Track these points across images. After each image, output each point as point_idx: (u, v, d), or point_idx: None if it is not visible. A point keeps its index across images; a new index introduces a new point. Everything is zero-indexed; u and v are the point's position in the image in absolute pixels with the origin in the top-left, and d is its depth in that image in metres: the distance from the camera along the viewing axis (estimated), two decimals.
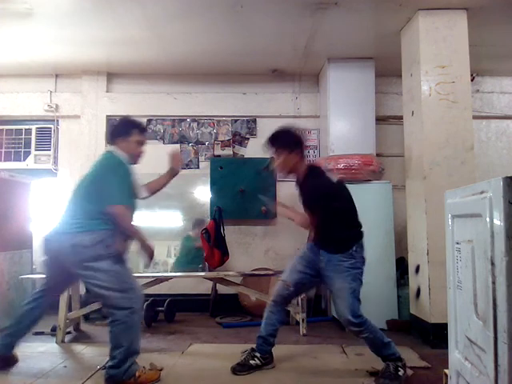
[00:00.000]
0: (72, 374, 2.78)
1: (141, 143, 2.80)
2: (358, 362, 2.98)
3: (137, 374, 2.51)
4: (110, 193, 2.54)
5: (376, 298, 3.97)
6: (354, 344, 3.39)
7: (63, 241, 2.54)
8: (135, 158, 2.79)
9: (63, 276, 2.76)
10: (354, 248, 2.61)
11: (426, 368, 2.87)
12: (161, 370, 2.73)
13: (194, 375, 2.76)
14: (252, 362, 2.80)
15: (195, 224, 4.98)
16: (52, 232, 2.66)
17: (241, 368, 2.78)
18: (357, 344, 3.41)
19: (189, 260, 4.93)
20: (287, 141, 2.76)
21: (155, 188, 3.03)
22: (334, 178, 2.79)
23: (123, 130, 2.77)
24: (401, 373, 2.56)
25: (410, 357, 3.09)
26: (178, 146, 5.03)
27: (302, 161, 2.75)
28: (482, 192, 1.38)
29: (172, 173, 3.08)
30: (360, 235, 2.68)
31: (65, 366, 2.93)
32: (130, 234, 2.64)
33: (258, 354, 2.82)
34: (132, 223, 2.66)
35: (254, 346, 2.88)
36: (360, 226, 2.71)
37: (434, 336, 3.32)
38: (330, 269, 2.62)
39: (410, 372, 2.76)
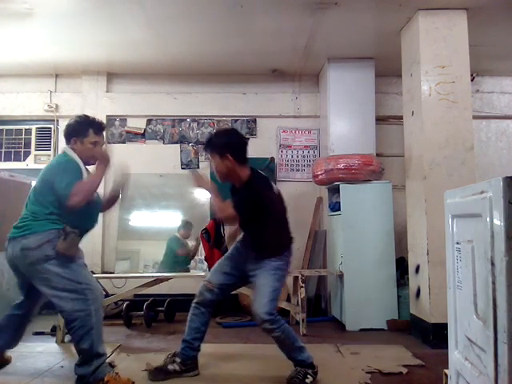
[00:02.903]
0: (68, 374, 2.75)
1: (96, 144, 2.61)
2: (354, 361, 2.99)
3: (105, 379, 2.39)
4: (60, 187, 2.38)
5: (376, 298, 3.98)
6: (349, 343, 3.40)
7: (14, 246, 2.47)
8: (89, 159, 2.60)
9: (29, 284, 2.60)
10: (285, 253, 2.60)
11: (420, 366, 2.88)
12: None
13: (191, 375, 2.75)
14: (170, 367, 2.62)
15: (182, 225, 4.98)
16: (7, 239, 2.55)
17: (157, 373, 2.61)
18: (353, 343, 3.43)
19: (175, 261, 4.88)
20: (218, 144, 2.57)
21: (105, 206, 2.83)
22: (275, 187, 2.71)
23: (78, 129, 2.61)
24: (308, 380, 2.50)
25: (405, 356, 3.11)
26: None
27: (238, 166, 2.54)
28: (482, 192, 1.38)
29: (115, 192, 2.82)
30: (291, 241, 2.67)
31: (61, 366, 2.92)
32: (96, 184, 2.48)
33: (178, 359, 2.64)
34: (91, 185, 2.47)
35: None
36: (290, 233, 2.70)
37: (434, 336, 3.32)
38: (257, 267, 2.55)
39: (404, 370, 2.77)
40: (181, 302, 4.55)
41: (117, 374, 2.48)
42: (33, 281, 2.52)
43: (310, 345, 3.43)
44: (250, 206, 2.48)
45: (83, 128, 2.61)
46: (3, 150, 5.09)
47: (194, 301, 2.72)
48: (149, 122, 5.13)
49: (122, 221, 5.03)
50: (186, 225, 4.96)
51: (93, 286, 2.51)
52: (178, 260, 4.90)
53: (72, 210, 2.38)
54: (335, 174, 4.12)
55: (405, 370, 2.78)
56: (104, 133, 2.77)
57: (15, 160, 5.07)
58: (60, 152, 2.70)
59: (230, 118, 5.15)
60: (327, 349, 3.32)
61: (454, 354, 1.66)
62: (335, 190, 4.29)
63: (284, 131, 5.15)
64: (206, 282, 2.72)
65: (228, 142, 2.58)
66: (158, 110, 5.12)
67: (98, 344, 2.45)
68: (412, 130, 3.77)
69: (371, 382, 2.61)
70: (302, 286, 3.88)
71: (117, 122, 5.12)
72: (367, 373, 2.74)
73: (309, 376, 2.52)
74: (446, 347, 1.74)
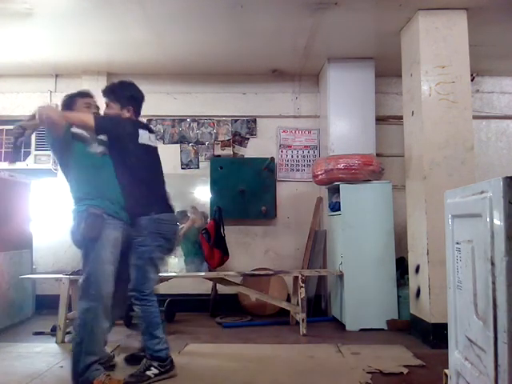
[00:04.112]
0: (68, 374, 2.75)
1: (88, 106, 2.73)
2: (354, 361, 2.99)
3: (95, 382, 2.31)
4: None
5: (376, 298, 3.98)
6: (349, 343, 3.40)
7: None
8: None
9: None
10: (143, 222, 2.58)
11: (421, 366, 2.88)
12: None
13: (190, 375, 2.75)
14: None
15: (180, 217, 4.95)
16: None
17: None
18: (353, 343, 3.43)
19: (195, 252, 4.84)
20: (123, 95, 2.67)
21: None
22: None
23: (67, 105, 2.76)
24: (150, 373, 2.46)
25: (405, 356, 3.11)
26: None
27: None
28: (482, 192, 1.38)
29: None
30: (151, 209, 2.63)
31: (61, 367, 2.91)
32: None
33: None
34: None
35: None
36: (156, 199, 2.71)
37: (434, 336, 3.32)
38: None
39: (405, 370, 2.77)
40: (181, 302, 4.57)
41: (108, 375, 2.41)
42: None
43: (311, 345, 3.46)
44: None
45: (71, 101, 2.76)
46: (3, 150, 5.09)
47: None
48: (149, 122, 5.12)
49: None
50: (181, 214, 4.92)
51: (102, 282, 2.45)
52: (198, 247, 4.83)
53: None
54: (335, 174, 4.11)
55: (405, 370, 2.78)
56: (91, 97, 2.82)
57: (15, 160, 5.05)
58: None
59: (230, 118, 5.15)
60: (328, 349, 3.33)
61: (454, 354, 1.66)
62: (335, 190, 4.29)
63: (284, 131, 5.15)
64: None
65: (133, 96, 2.68)
66: (158, 109, 5.11)
67: (90, 343, 2.40)
68: (412, 129, 3.77)
69: (372, 382, 2.61)
70: (301, 286, 3.88)
71: None
72: (368, 373, 2.74)
73: (152, 368, 2.47)
74: (446, 347, 1.74)
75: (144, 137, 2.68)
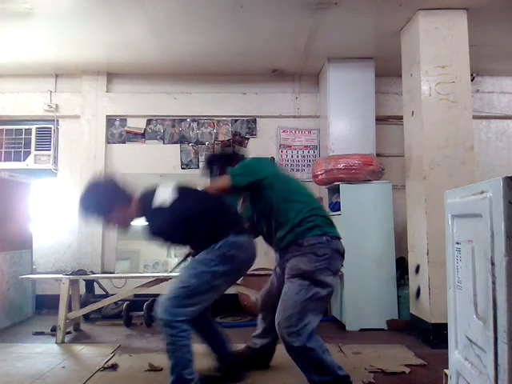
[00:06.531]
0: (70, 375, 2.77)
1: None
2: (356, 361, 2.99)
3: None
4: None
5: (376, 298, 3.98)
6: (350, 343, 3.40)
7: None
8: None
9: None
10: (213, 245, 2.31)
11: (422, 366, 2.89)
12: (160, 369, 2.73)
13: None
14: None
15: None
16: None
17: None
18: (353, 343, 3.43)
19: None
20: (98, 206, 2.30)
21: None
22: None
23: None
24: None
25: (406, 355, 3.11)
26: None
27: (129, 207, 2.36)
28: (482, 192, 1.38)
29: None
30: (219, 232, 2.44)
31: (63, 367, 2.92)
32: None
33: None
34: None
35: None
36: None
37: (434, 336, 3.32)
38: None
39: (407, 370, 2.78)
40: None
41: None
42: None
43: None
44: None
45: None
46: (3, 150, 5.09)
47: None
48: (149, 121, 5.13)
49: None
50: None
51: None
52: None
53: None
54: (335, 174, 4.12)
55: (407, 370, 2.79)
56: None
57: (15, 160, 5.06)
58: None
59: (230, 118, 5.15)
60: (329, 348, 3.30)
61: (454, 354, 1.66)
62: (335, 190, 4.29)
63: (284, 131, 5.15)
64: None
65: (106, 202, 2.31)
66: (158, 110, 5.12)
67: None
68: (412, 129, 3.77)
69: (375, 381, 2.62)
70: None
71: (117, 122, 5.12)
72: (370, 372, 2.75)
73: None
74: (446, 347, 1.74)
75: None
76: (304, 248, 2.31)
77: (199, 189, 2.51)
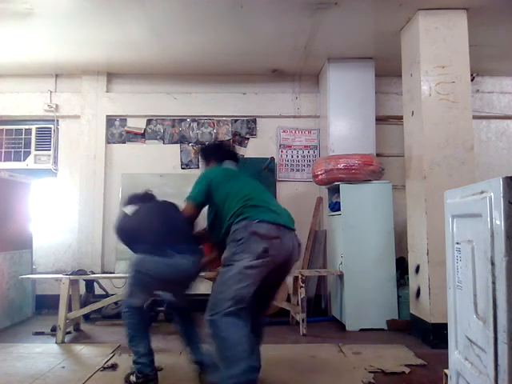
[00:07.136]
0: (70, 375, 2.77)
1: None
2: (356, 361, 3.00)
3: None
4: None
5: (376, 298, 3.98)
6: (350, 343, 3.40)
7: (294, 239, 2.42)
8: None
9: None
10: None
11: (422, 366, 2.89)
12: (160, 369, 2.73)
13: (190, 375, 2.74)
14: None
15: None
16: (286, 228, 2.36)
17: None
18: (353, 343, 3.44)
19: None
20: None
21: None
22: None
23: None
24: (132, 379, 2.48)
25: (406, 355, 3.11)
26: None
27: None
28: (482, 192, 1.38)
29: None
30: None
31: (63, 367, 2.92)
32: None
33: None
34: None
35: None
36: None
37: (434, 336, 3.32)
38: None
39: (407, 370, 2.79)
40: None
41: None
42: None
43: (312, 345, 3.46)
44: None
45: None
46: (3, 150, 5.09)
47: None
48: (149, 121, 5.13)
49: None
50: None
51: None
52: None
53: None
54: (335, 174, 4.12)
55: (407, 370, 2.80)
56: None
57: (15, 160, 5.06)
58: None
59: (230, 118, 5.15)
60: (329, 349, 3.33)
61: (454, 354, 1.66)
62: (335, 190, 4.29)
63: (284, 131, 5.15)
64: None
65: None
66: (158, 110, 5.12)
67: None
68: (412, 129, 3.77)
69: (375, 381, 2.62)
70: (301, 286, 3.88)
71: (117, 122, 5.12)
72: (370, 372, 2.75)
73: (132, 376, 2.49)
74: (446, 347, 1.74)
75: None
76: (229, 237, 2.33)
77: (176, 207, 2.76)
